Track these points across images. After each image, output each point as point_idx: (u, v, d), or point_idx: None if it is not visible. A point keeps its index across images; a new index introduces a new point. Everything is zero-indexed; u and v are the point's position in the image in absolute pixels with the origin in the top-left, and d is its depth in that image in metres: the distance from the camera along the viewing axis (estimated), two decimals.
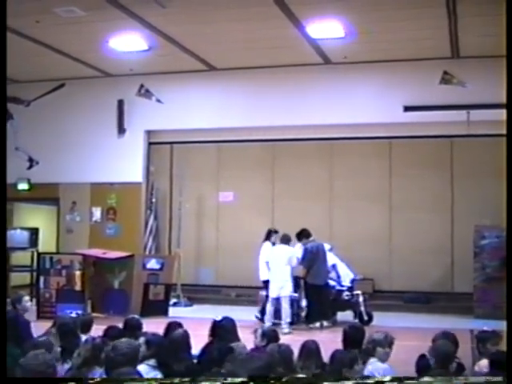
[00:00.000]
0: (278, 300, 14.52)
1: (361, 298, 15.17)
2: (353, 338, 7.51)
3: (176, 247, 19.01)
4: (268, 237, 15.58)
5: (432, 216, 17.70)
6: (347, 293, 15.27)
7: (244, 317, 14.85)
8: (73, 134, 19.61)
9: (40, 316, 15.08)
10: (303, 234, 15.30)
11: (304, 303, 15.14)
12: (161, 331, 8.07)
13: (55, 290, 15.65)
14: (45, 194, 19.85)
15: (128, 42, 16.27)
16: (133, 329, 8.18)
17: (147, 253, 18.51)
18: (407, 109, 17.51)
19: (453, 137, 17.73)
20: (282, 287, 14.48)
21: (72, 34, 15.54)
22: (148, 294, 16.20)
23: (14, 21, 13.88)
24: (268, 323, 13.69)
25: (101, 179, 19.51)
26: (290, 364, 6.59)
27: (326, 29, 15.19)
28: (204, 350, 7.42)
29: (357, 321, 14.76)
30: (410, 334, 13.17)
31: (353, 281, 15.67)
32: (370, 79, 17.95)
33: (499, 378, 5.49)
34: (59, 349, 7.03)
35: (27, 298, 10.32)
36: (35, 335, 8.34)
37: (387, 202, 18.19)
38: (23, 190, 19.74)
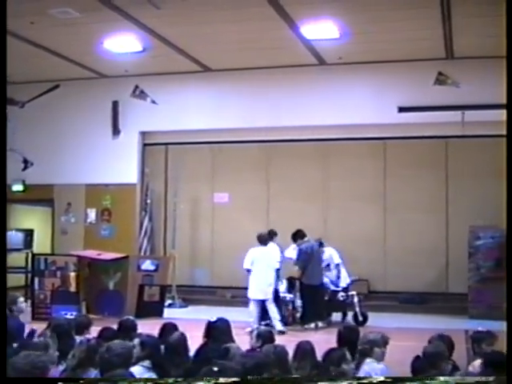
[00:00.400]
0: (263, 302, 14.63)
1: (356, 299, 15.21)
2: (347, 338, 7.52)
3: (171, 248, 19.01)
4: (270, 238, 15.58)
5: (427, 217, 17.72)
6: (342, 293, 15.30)
7: (239, 318, 14.90)
8: (67, 135, 19.60)
9: (35, 317, 15.05)
10: (298, 235, 15.34)
11: (299, 304, 15.18)
12: (156, 332, 8.07)
13: (50, 291, 15.62)
14: (40, 196, 19.82)
15: (123, 44, 16.26)
16: (127, 330, 8.18)
17: (142, 254, 18.50)
18: (402, 109, 17.53)
19: (447, 137, 17.76)
20: (266, 289, 14.60)
21: (67, 36, 15.52)
22: (143, 295, 16.20)
23: (9, 22, 13.84)
24: (255, 325, 13.63)
25: (96, 180, 19.51)
26: (285, 365, 6.60)
27: (321, 30, 15.19)
28: (198, 351, 7.43)
29: (349, 320, 14.88)
30: (404, 335, 13.18)
31: (350, 282, 15.73)
32: (364, 80, 17.98)
33: (490, 378, 5.49)
34: (56, 352, 7.00)
35: (22, 299, 10.31)
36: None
37: (382, 202, 18.21)
38: (18, 192, 19.71)
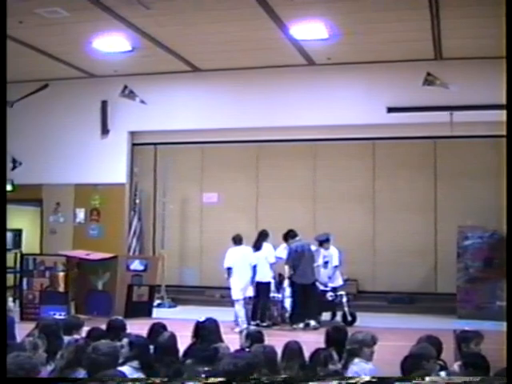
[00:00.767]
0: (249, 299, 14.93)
1: (344, 299, 15.23)
2: (335, 338, 7.53)
3: (160, 248, 19.00)
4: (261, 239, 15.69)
5: (415, 217, 17.76)
6: (331, 293, 15.32)
7: (228, 318, 14.92)
8: (56, 134, 19.56)
9: (23, 317, 15.00)
10: (289, 235, 15.41)
11: (287, 304, 15.24)
12: (144, 332, 8.06)
13: (39, 291, 15.58)
14: (28, 195, 19.76)
15: (112, 43, 16.24)
16: (116, 330, 8.17)
17: (131, 254, 18.48)
18: (391, 110, 17.57)
19: (436, 138, 17.80)
20: (245, 288, 14.81)
21: (55, 35, 15.49)
22: (132, 295, 16.17)
23: None
24: (244, 325, 13.66)
25: (84, 180, 19.46)
26: (274, 365, 6.60)
27: (310, 30, 15.21)
28: (187, 351, 7.42)
29: (337, 320, 14.92)
30: (393, 335, 13.21)
31: (342, 284, 15.78)
32: (353, 80, 18.01)
33: (477, 378, 5.50)
34: (45, 354, 6.99)
35: (10, 299, 10.30)
36: (18, 336, 8.33)
37: (371, 202, 18.25)
38: (7, 191, 19.62)
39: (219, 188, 19.19)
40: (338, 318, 15.33)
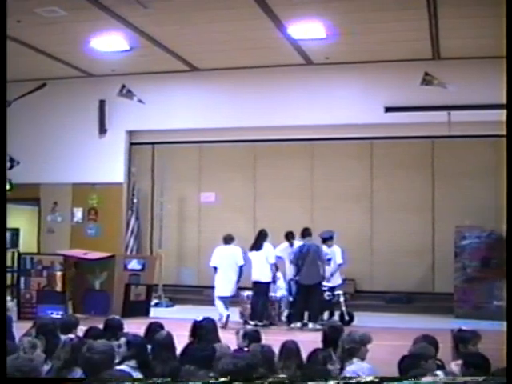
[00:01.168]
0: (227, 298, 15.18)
1: (342, 298, 15.23)
2: (333, 338, 7.52)
3: (157, 248, 19.01)
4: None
5: (413, 216, 17.76)
6: (328, 293, 15.31)
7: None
8: (54, 134, 19.56)
9: (21, 317, 14.99)
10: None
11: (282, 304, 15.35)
12: (142, 332, 8.06)
13: (36, 290, 15.57)
14: (26, 195, 19.73)
15: (110, 42, 16.24)
16: (114, 329, 8.16)
17: (129, 253, 18.48)
18: (388, 109, 17.57)
19: (434, 137, 17.81)
20: (228, 286, 15.11)
21: (54, 34, 15.50)
22: (129, 294, 16.16)
23: None
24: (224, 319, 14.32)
25: (82, 179, 19.46)
26: (271, 365, 6.60)
27: (308, 30, 15.23)
28: (185, 351, 7.41)
29: (335, 319, 14.94)
30: (391, 334, 13.24)
31: (341, 283, 15.80)
32: (351, 80, 18.02)
33: (481, 379, 5.49)
34: (43, 354, 6.97)
35: (8, 298, 10.29)
36: (17, 336, 8.33)
37: (368, 202, 18.25)
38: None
39: (217, 187, 19.19)
40: (336, 317, 15.32)
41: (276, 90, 18.25)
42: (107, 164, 19.39)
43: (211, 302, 15.50)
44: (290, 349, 7.04)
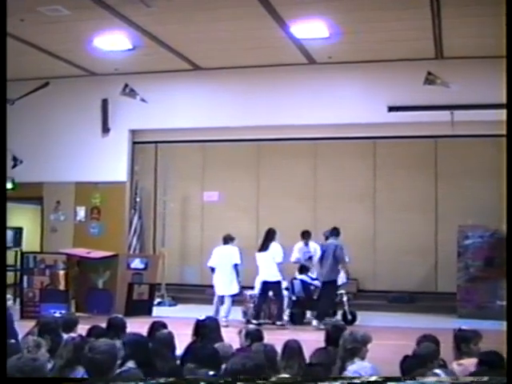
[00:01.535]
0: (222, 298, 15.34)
1: (345, 298, 15.23)
2: (335, 337, 7.51)
3: (160, 247, 19.03)
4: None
5: (416, 216, 17.75)
6: None
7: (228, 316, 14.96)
8: (57, 132, 19.57)
9: (23, 316, 15.01)
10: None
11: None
12: (145, 331, 8.06)
13: (39, 289, 15.59)
14: (29, 194, 19.77)
15: (113, 41, 16.24)
16: (116, 328, 8.16)
17: (131, 252, 18.48)
18: (391, 109, 17.56)
19: (437, 137, 17.80)
20: (227, 286, 15.25)
21: (57, 33, 15.51)
22: (132, 293, 16.17)
23: None
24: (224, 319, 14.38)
25: (85, 178, 19.47)
26: (274, 364, 6.60)
27: (311, 29, 15.22)
28: (187, 350, 7.41)
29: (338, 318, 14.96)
30: (394, 334, 13.24)
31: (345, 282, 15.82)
32: (354, 79, 18.01)
33: (485, 378, 5.49)
34: (47, 354, 6.96)
35: (9, 296, 10.30)
36: (19, 334, 8.34)
37: (371, 201, 18.25)
38: (7, 190, 19.53)
39: (220, 186, 19.19)
40: (338, 316, 15.32)
41: (279, 89, 18.24)
42: (110, 163, 19.40)
43: (213, 301, 15.53)
44: (293, 348, 7.04)
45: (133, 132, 19.76)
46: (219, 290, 15.39)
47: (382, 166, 18.18)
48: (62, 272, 15.64)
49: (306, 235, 16.08)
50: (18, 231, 19.66)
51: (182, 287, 18.95)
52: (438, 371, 6.15)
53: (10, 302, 10.13)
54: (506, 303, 11.11)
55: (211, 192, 19.30)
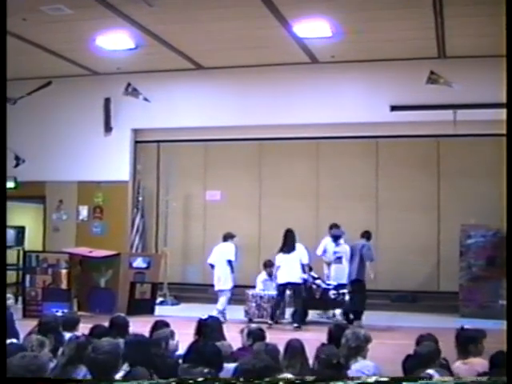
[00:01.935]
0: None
1: (347, 297, 15.22)
2: (338, 336, 7.51)
3: (163, 246, 19.03)
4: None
5: (418, 215, 17.75)
6: (333, 291, 15.31)
7: (231, 315, 14.97)
8: (59, 132, 19.58)
9: (26, 315, 15.03)
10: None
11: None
12: (147, 330, 8.06)
13: (41, 288, 15.61)
14: (31, 193, 19.79)
15: (115, 41, 16.23)
16: (119, 327, 8.16)
17: (134, 251, 18.48)
18: (394, 108, 17.56)
19: (439, 136, 17.79)
20: (221, 281, 15.59)
21: (59, 32, 15.51)
22: (134, 292, 16.18)
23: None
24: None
25: (87, 178, 19.48)
26: (276, 363, 6.59)
27: (314, 28, 15.21)
28: (190, 349, 7.41)
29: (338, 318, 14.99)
30: (396, 333, 13.24)
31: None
32: (357, 78, 18.00)
33: (484, 378, 5.48)
34: (50, 354, 6.95)
35: (9, 295, 10.30)
36: (21, 334, 8.34)
37: (374, 201, 18.24)
38: (10, 189, 19.53)
39: (222, 186, 19.20)
40: (339, 316, 15.33)
41: (281, 88, 18.24)
42: (112, 162, 19.41)
43: (216, 300, 15.55)
44: (295, 347, 7.04)
45: (135, 131, 19.77)
46: (216, 286, 15.69)
47: (384, 165, 18.18)
48: (64, 271, 15.66)
49: (335, 232, 16.26)
50: (21, 230, 19.65)
51: (184, 286, 18.96)
52: (431, 372, 6.12)
53: (10, 301, 10.10)
54: (506, 303, 11.10)
55: (214, 191, 19.31)
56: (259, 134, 18.76)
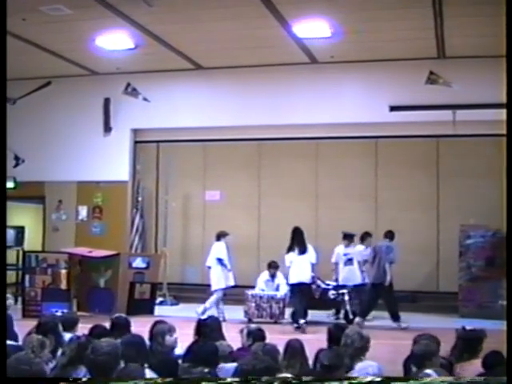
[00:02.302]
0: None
1: (346, 297, 15.23)
2: (338, 336, 7.51)
3: (162, 246, 19.02)
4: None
5: (418, 215, 17.74)
6: (333, 291, 15.32)
7: (230, 316, 14.97)
8: (59, 132, 19.58)
9: (25, 315, 15.04)
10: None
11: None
12: (146, 330, 8.05)
13: (41, 288, 15.60)
14: (31, 193, 19.79)
15: (115, 41, 16.24)
16: (121, 328, 8.15)
17: (133, 251, 18.48)
18: (393, 108, 17.56)
19: (439, 136, 17.79)
20: (213, 281, 15.71)
21: (59, 33, 15.51)
22: (134, 292, 16.16)
23: None
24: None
25: (87, 178, 19.49)
26: (276, 363, 6.58)
27: (313, 28, 15.22)
28: (189, 349, 7.42)
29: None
30: (395, 333, 13.23)
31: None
32: (356, 79, 18.01)
33: (481, 378, 5.49)
34: (49, 354, 6.94)
35: (8, 295, 10.29)
36: (20, 334, 8.33)
37: (373, 201, 18.23)
38: (9, 189, 19.54)
39: (222, 186, 19.19)
40: (340, 315, 15.36)
41: (281, 88, 18.24)
42: (112, 162, 19.41)
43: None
44: (295, 347, 7.03)
45: (135, 131, 19.77)
46: (212, 285, 15.79)
47: (384, 165, 18.18)
48: (63, 271, 15.65)
49: (365, 236, 16.30)
50: (20, 230, 19.65)
51: (183, 286, 18.96)
52: (429, 371, 6.11)
53: (9, 301, 10.07)
54: (507, 303, 11.10)
55: (213, 191, 19.31)
56: (259, 134, 18.76)
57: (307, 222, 17.51)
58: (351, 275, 15.92)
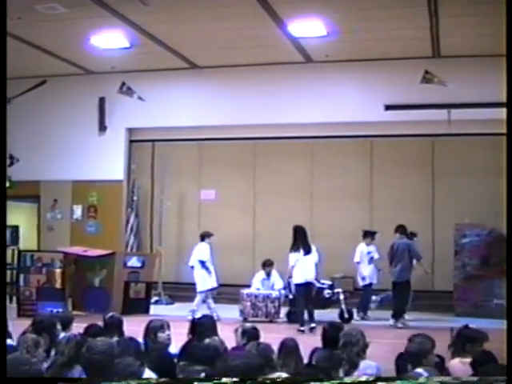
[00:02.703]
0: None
1: (341, 296, 15.26)
2: (333, 336, 7.50)
3: (157, 245, 19.01)
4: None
5: (413, 214, 17.71)
6: (328, 291, 15.33)
7: (225, 315, 14.97)
8: (54, 131, 19.56)
9: (20, 314, 15.04)
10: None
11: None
12: (141, 329, 8.05)
13: (35, 287, 15.61)
14: (26, 192, 19.74)
15: (110, 40, 16.24)
16: (113, 327, 8.15)
17: (128, 251, 18.48)
18: (388, 108, 17.58)
19: (434, 135, 17.80)
20: (198, 283, 15.75)
21: (54, 31, 15.49)
22: (129, 292, 16.18)
23: None
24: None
25: (82, 177, 19.47)
26: (269, 362, 6.58)
27: (308, 27, 15.24)
28: (184, 348, 7.41)
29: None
30: (390, 332, 13.24)
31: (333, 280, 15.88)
32: (351, 78, 18.00)
33: (476, 378, 5.47)
34: (44, 353, 6.94)
35: None
36: (14, 333, 8.32)
37: (368, 200, 18.25)
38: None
39: (217, 185, 19.18)
40: (335, 314, 15.35)
41: (276, 87, 18.23)
42: (107, 161, 19.39)
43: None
44: (290, 346, 7.03)
45: (130, 130, 19.76)
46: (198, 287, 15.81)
47: (379, 164, 18.19)
48: (58, 270, 15.66)
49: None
50: (15, 229, 19.67)
51: (178, 285, 18.92)
52: (420, 370, 6.10)
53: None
54: (506, 303, 11.10)
55: (208, 190, 19.30)
56: (254, 133, 18.76)
57: (302, 222, 17.42)
58: (373, 273, 16.08)
